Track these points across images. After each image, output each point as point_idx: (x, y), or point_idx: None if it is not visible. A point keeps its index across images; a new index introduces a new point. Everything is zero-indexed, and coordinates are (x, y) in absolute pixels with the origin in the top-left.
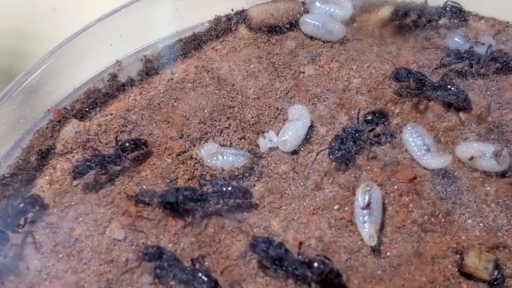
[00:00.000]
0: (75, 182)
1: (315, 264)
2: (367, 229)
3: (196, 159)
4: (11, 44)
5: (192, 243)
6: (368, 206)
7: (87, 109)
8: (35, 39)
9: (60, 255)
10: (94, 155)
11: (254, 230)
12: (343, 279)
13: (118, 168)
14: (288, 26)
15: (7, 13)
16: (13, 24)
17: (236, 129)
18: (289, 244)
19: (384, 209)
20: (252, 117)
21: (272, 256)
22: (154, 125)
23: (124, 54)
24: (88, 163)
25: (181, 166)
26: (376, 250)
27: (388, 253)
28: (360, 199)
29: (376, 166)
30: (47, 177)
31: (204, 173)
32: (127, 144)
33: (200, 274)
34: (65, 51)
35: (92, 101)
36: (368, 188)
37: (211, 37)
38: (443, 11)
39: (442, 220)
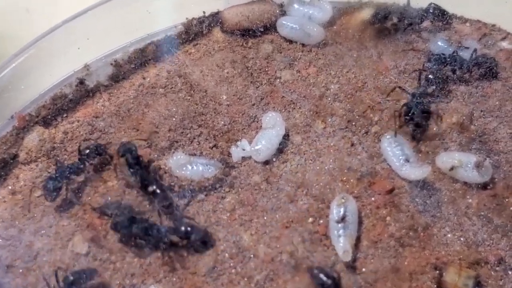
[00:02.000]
0: (38, 193)
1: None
2: (341, 244)
3: (164, 169)
4: None
5: (158, 258)
6: (343, 219)
7: (53, 116)
8: (6, 39)
9: (20, 270)
10: (57, 167)
11: (224, 244)
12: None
13: (81, 178)
14: (264, 29)
15: None
16: None
17: (207, 138)
18: (259, 260)
19: (360, 223)
20: (224, 125)
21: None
22: (123, 133)
23: (93, 57)
24: (54, 179)
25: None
26: (351, 266)
27: (363, 269)
28: (335, 211)
29: (352, 176)
30: (9, 187)
31: (172, 183)
32: (87, 151)
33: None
34: (30, 54)
35: (59, 107)
36: (343, 200)
37: (184, 40)
38: (426, 14)
39: (421, 234)
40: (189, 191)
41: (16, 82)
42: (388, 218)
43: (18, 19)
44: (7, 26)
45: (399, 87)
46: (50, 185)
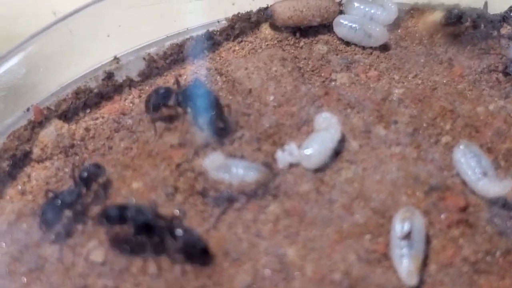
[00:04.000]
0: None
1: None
2: (405, 265)
3: (199, 171)
4: None
5: (186, 272)
6: (407, 236)
7: (74, 111)
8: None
9: (24, 280)
10: (52, 198)
11: (265, 259)
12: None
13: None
14: (319, 27)
15: None
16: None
17: (250, 140)
18: (306, 278)
19: (428, 242)
20: (270, 127)
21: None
22: (153, 132)
23: (124, 50)
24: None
25: (181, 178)
26: None
27: None
28: (398, 227)
29: (419, 189)
30: (19, 187)
31: (208, 187)
32: (86, 175)
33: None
34: (50, 37)
35: (82, 101)
36: (408, 214)
37: (227, 37)
38: (505, 18)
39: (500, 259)
40: (227, 197)
41: (34, 70)
42: (461, 239)
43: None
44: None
45: None
46: (46, 217)
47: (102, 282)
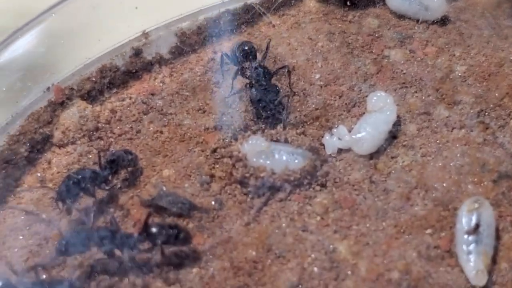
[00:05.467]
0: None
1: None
2: (472, 263)
3: (237, 156)
4: None
5: (224, 269)
6: (475, 230)
7: (99, 91)
8: None
9: (44, 276)
10: (79, 170)
11: (313, 255)
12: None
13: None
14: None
15: None
16: None
17: (294, 122)
18: (360, 278)
19: (498, 237)
20: (316, 109)
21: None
22: (186, 114)
23: (154, 24)
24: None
25: (217, 165)
26: None
27: None
28: (465, 220)
29: (486, 178)
30: (39, 174)
31: (247, 175)
32: (113, 160)
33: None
34: (71, 10)
35: (107, 81)
36: (476, 206)
37: (267, 10)
38: None
39: None
40: (269, 186)
41: (54, 47)
42: None
43: None
44: None
45: None
46: (63, 189)
47: (130, 279)
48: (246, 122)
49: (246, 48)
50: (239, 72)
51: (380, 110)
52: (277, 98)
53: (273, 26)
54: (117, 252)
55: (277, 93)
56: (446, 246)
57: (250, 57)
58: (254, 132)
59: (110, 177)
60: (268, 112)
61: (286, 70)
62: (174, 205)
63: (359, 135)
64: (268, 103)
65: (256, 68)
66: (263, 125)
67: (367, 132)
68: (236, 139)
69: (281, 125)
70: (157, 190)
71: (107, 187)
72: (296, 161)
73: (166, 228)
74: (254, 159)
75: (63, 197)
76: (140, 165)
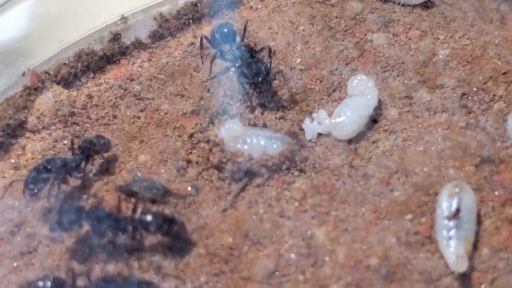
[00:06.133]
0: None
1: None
2: (453, 248)
3: (214, 141)
4: None
5: (200, 256)
6: (456, 215)
7: (76, 76)
8: None
9: (15, 264)
10: (49, 160)
11: (290, 242)
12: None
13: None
14: None
15: None
16: None
17: (273, 107)
18: (338, 264)
19: (479, 222)
20: (297, 93)
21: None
22: (163, 99)
23: (133, 8)
24: (42, 173)
25: (194, 150)
26: (466, 278)
27: (482, 285)
28: (445, 205)
29: (468, 162)
30: (12, 160)
31: (224, 160)
32: (85, 146)
33: None
34: None
35: (84, 65)
36: (457, 190)
37: None
38: None
39: None
40: (246, 171)
41: (30, 30)
42: None
43: None
44: None
45: None
46: (31, 178)
47: (101, 266)
48: (224, 106)
49: (225, 30)
50: (218, 55)
51: (361, 94)
52: (267, 75)
53: (255, 10)
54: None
55: (266, 70)
56: (426, 231)
57: (229, 39)
58: (232, 117)
59: (82, 164)
60: (258, 90)
61: (267, 52)
62: (149, 191)
63: (338, 119)
64: (259, 81)
65: (239, 48)
66: (244, 108)
67: (347, 116)
68: (213, 123)
69: (260, 109)
70: (131, 175)
71: (78, 175)
72: (275, 145)
73: (161, 218)
74: (232, 144)
75: (30, 188)
76: (115, 150)
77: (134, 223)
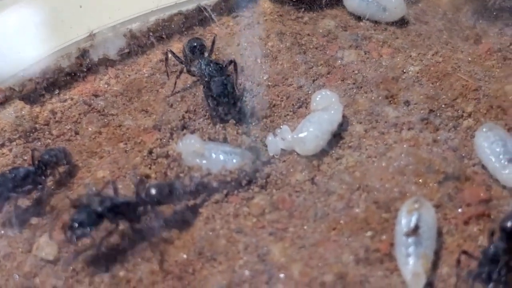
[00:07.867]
0: None
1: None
2: (411, 266)
3: (173, 156)
4: None
5: (153, 273)
6: (415, 231)
7: (41, 92)
8: None
9: None
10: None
11: (245, 258)
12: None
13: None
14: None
15: None
16: None
17: (237, 123)
18: (292, 281)
19: (441, 240)
20: (262, 109)
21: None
22: (127, 115)
23: (101, 24)
24: None
25: (154, 166)
26: None
27: None
28: (404, 221)
29: (431, 179)
30: None
31: (181, 175)
32: (46, 158)
33: None
34: (14, 8)
35: (50, 82)
36: (416, 206)
37: (221, 12)
38: None
39: None
40: (204, 187)
41: None
42: (480, 237)
43: None
44: None
45: None
46: None
47: (52, 283)
48: (185, 121)
49: (195, 44)
50: (186, 70)
51: (324, 109)
52: (232, 91)
53: (227, 27)
54: None
55: (232, 85)
56: (386, 249)
57: (199, 53)
58: (192, 132)
59: (38, 178)
60: (226, 106)
61: (233, 66)
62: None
63: (301, 135)
64: (227, 96)
65: (208, 63)
66: (206, 123)
67: (309, 131)
68: (173, 139)
69: (222, 124)
70: (86, 189)
71: (33, 189)
72: (234, 160)
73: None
74: (190, 159)
75: None
76: (74, 164)
77: None
